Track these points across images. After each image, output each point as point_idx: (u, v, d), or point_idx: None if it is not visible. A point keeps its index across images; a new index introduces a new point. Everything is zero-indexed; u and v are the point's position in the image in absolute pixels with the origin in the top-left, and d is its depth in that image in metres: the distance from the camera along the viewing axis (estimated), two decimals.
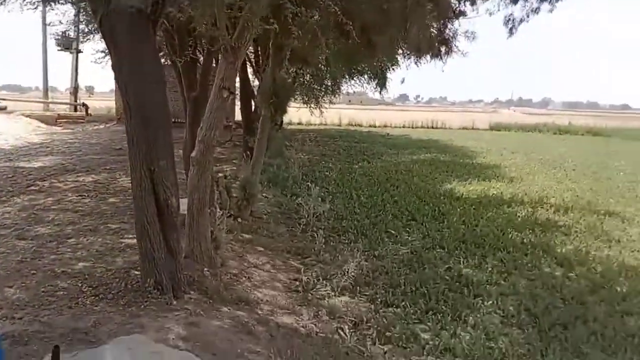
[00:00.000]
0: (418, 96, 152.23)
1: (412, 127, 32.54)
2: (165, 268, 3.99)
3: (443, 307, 4.76)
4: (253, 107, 13.46)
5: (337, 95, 27.56)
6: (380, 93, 24.41)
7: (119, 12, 3.57)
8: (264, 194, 8.82)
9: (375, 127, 31.76)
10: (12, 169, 9.26)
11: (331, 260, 5.91)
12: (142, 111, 3.87)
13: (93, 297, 3.82)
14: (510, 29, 9.96)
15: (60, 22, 8.63)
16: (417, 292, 5.07)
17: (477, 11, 10.98)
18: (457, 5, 10.93)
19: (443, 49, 12.62)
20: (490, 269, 5.87)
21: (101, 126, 19.82)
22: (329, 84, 23.78)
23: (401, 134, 26.14)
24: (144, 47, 3.86)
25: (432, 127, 33.06)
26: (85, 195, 7.48)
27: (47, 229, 5.64)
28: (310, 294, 4.86)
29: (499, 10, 10.14)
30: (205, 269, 4.71)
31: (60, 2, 7.03)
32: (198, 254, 4.87)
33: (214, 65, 8.10)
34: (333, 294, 4.90)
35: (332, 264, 5.77)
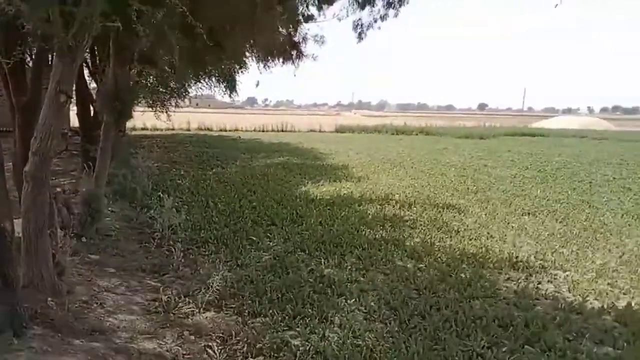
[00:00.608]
0: (266, 99, 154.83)
1: (263, 131, 32.90)
2: (1, 302, 3.42)
3: (310, 310, 4.82)
4: (92, 112, 12.33)
5: (184, 99, 26.61)
6: (230, 96, 24.14)
7: None
8: (110, 209, 8.08)
9: (226, 131, 31.44)
10: None
11: (192, 275, 5.64)
12: None
13: None
14: (359, 34, 10.60)
15: None
16: (283, 298, 5.07)
17: (325, 16, 11.46)
18: (304, 9, 11.27)
19: (294, 53, 12.93)
20: (349, 267, 6.12)
21: None
22: (175, 86, 22.85)
23: (252, 138, 26.22)
24: None
25: (282, 131, 33.79)
26: None
27: None
28: (172, 314, 4.55)
29: (347, 15, 10.72)
30: (49, 298, 4.14)
31: None
32: (39, 282, 4.26)
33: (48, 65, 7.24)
34: (197, 310, 4.67)
35: (194, 279, 5.50)
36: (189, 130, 30.14)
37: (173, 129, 27.99)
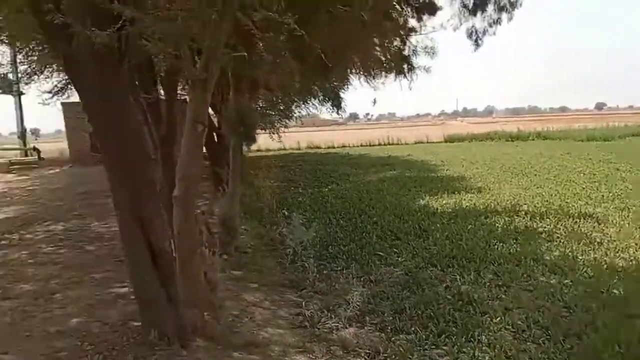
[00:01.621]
0: (368, 114, 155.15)
1: (370, 145, 32.97)
2: (168, 317, 3.74)
3: (453, 328, 4.65)
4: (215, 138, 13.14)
5: (291, 119, 27.62)
6: (338, 114, 24.56)
7: (84, 50, 3.26)
8: (243, 227, 8.55)
9: (333, 147, 31.97)
10: None
11: (328, 290, 5.72)
12: (120, 153, 3.65)
13: (98, 355, 3.49)
14: (476, 40, 10.26)
15: None
16: (423, 316, 4.94)
17: (425, 27, 11.31)
18: (413, 15, 11.16)
19: (405, 66, 12.86)
20: (487, 283, 5.83)
21: (57, 169, 18.97)
22: (282, 108, 23.80)
23: (361, 153, 26.36)
24: (114, 85, 3.55)
25: (388, 144, 33.58)
26: (60, 246, 7.05)
27: (30, 285, 5.25)
28: (317, 329, 4.64)
29: (460, 24, 10.43)
30: (205, 313, 4.41)
31: None
32: (194, 298, 4.56)
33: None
34: (341, 325, 4.70)
35: (330, 294, 5.59)
36: (299, 149, 31.10)
37: (284, 149, 29.09)
